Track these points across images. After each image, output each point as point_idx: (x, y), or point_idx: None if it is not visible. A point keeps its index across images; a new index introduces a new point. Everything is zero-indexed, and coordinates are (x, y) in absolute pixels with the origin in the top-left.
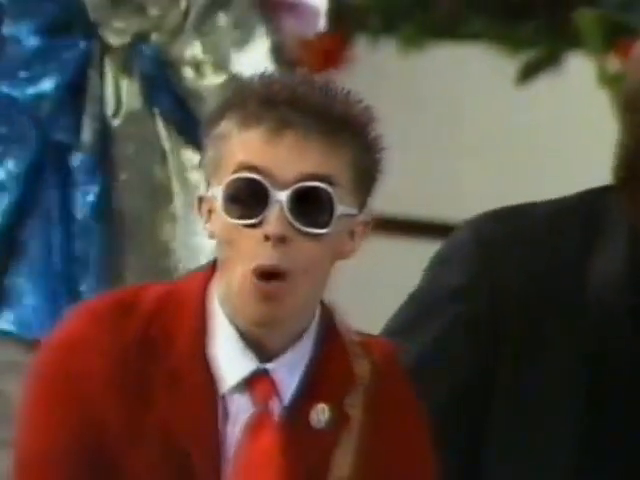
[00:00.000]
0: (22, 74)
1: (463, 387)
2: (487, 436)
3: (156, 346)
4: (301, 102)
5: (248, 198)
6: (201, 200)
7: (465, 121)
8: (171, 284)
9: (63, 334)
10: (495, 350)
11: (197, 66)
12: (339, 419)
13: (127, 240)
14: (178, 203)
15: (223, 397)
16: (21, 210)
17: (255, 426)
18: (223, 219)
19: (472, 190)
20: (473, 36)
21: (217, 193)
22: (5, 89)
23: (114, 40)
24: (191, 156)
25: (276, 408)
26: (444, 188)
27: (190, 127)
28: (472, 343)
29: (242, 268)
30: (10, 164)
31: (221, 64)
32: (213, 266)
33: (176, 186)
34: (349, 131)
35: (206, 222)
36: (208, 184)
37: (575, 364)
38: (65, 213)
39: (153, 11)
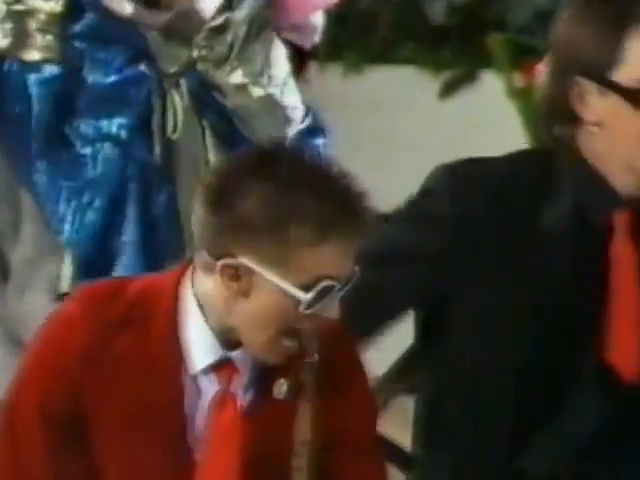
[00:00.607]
0: (104, 109)
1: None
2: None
3: (134, 329)
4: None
5: (323, 295)
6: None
7: (399, 131)
8: (154, 276)
9: (61, 309)
10: (460, 263)
11: (239, 88)
12: (296, 390)
13: (187, 235)
14: None
15: (195, 377)
16: (113, 211)
17: (219, 403)
18: (284, 303)
19: (405, 185)
20: (404, 60)
21: (285, 285)
22: (93, 122)
23: (169, 68)
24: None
25: (238, 387)
26: (380, 185)
27: (233, 140)
28: (441, 245)
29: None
30: (103, 169)
31: (258, 84)
32: (187, 263)
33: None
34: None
35: (230, 280)
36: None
37: (527, 279)
38: (145, 212)
39: (202, 43)
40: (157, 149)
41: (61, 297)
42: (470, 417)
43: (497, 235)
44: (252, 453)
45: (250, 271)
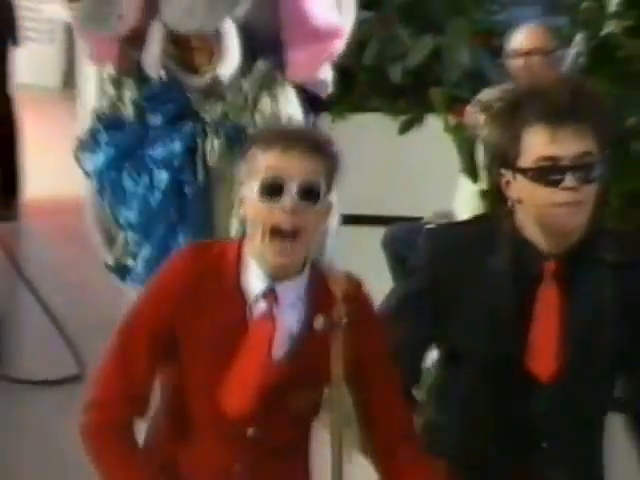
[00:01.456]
0: (158, 143)
1: (423, 298)
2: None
3: (213, 276)
4: (298, 134)
5: (273, 189)
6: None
7: (371, 157)
8: (225, 243)
9: (169, 260)
10: (439, 292)
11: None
12: (330, 324)
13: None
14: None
15: (250, 306)
16: (163, 216)
17: (260, 319)
18: (255, 203)
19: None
20: (374, 109)
21: (253, 187)
22: (150, 152)
23: (208, 118)
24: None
25: (283, 317)
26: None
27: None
28: (427, 289)
29: (264, 232)
30: (157, 191)
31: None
32: (243, 236)
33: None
34: (325, 152)
35: (239, 208)
36: (242, 184)
37: (481, 305)
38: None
39: (229, 98)
40: (200, 175)
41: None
42: (467, 381)
43: (460, 279)
44: (293, 373)
45: (242, 199)
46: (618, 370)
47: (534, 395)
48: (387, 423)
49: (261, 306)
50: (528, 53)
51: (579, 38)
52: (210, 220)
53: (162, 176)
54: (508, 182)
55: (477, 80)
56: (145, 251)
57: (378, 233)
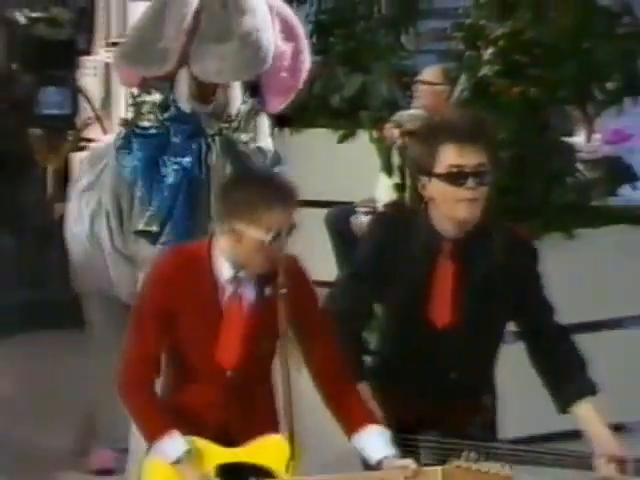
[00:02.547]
0: (179, 153)
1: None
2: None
3: (190, 267)
4: (283, 193)
5: (274, 238)
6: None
7: (320, 158)
8: (198, 241)
9: (160, 257)
10: (380, 272)
11: (245, 142)
12: (275, 292)
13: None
14: None
15: (223, 287)
16: (178, 198)
17: (231, 298)
18: (261, 246)
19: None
20: (321, 125)
21: (261, 234)
22: (171, 158)
23: (210, 132)
24: None
25: (244, 291)
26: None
27: (243, 170)
28: (370, 265)
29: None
30: (174, 177)
31: (253, 140)
32: (211, 235)
33: None
34: (295, 199)
35: (232, 241)
36: (227, 222)
37: (402, 273)
38: (191, 201)
39: (226, 120)
40: (203, 171)
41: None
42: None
43: (391, 255)
44: (254, 330)
45: (240, 231)
46: (510, 316)
47: (435, 338)
48: (324, 364)
49: (229, 287)
50: (430, 85)
51: (463, 78)
52: (208, 199)
53: (177, 173)
54: (424, 185)
55: (392, 106)
56: (169, 222)
57: (323, 212)
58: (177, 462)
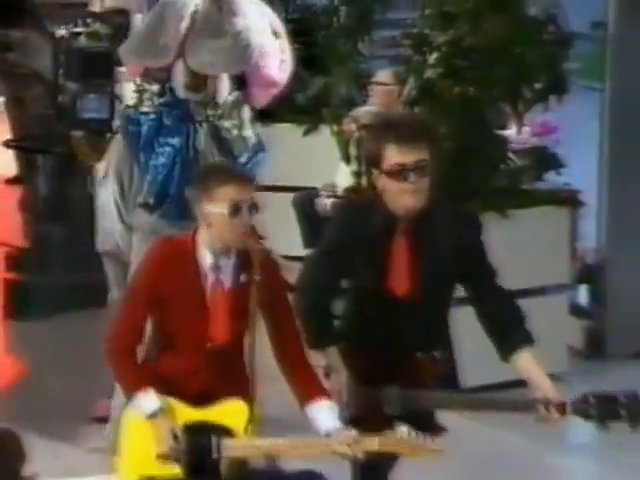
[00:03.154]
0: (170, 134)
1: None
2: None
3: (177, 256)
4: (244, 177)
5: (236, 210)
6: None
7: (285, 152)
8: (185, 233)
9: (153, 245)
10: (346, 250)
11: (228, 129)
12: (250, 278)
13: None
14: None
15: (206, 274)
16: (170, 174)
17: (215, 285)
18: (224, 219)
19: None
20: (290, 120)
21: (222, 208)
22: (164, 139)
23: (198, 118)
24: None
25: (223, 278)
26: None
27: (226, 152)
28: (336, 245)
29: (229, 237)
30: (167, 156)
31: (236, 128)
32: (195, 229)
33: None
34: (253, 182)
35: (205, 226)
36: (202, 203)
37: (364, 252)
38: (184, 178)
39: (212, 108)
40: (192, 152)
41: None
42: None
43: (355, 237)
44: (232, 311)
45: (206, 212)
46: (458, 281)
47: (395, 305)
48: (285, 343)
49: (211, 274)
50: (383, 85)
51: (411, 79)
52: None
53: (169, 153)
54: (375, 177)
55: (350, 104)
56: (164, 196)
57: (290, 196)
58: (151, 417)
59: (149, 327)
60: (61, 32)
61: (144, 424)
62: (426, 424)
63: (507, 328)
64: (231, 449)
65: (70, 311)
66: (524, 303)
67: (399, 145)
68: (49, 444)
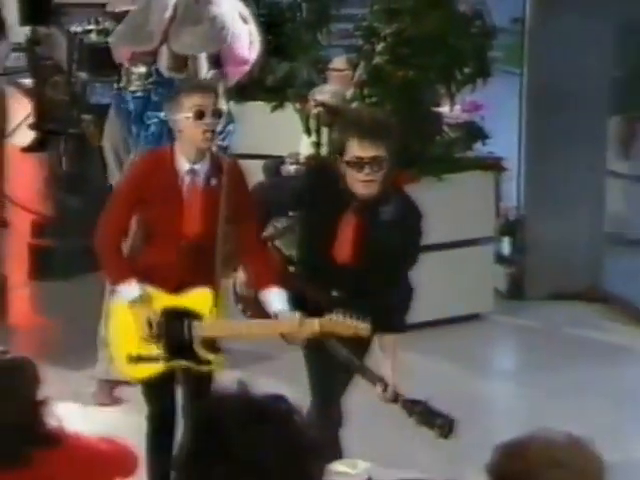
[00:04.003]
0: (157, 110)
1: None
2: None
3: (159, 164)
4: (209, 86)
5: (200, 115)
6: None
7: (256, 125)
8: (164, 147)
9: (134, 162)
10: (303, 205)
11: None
12: (220, 182)
13: None
14: None
15: (182, 177)
16: (157, 141)
17: (189, 185)
18: (190, 123)
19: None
20: (262, 99)
21: (186, 113)
22: (151, 112)
23: None
24: None
25: (198, 180)
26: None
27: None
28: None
29: (197, 139)
30: (155, 127)
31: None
32: (173, 141)
33: None
34: (214, 89)
35: (178, 133)
36: (173, 114)
37: (315, 219)
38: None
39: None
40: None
41: None
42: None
43: (315, 195)
44: (205, 211)
45: (177, 120)
46: (387, 259)
47: (339, 272)
48: (246, 237)
49: (187, 178)
50: (338, 71)
51: (361, 65)
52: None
53: (156, 125)
54: (339, 162)
55: (311, 85)
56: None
57: (261, 163)
58: (132, 303)
59: (133, 225)
60: (75, 29)
61: (127, 310)
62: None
63: (389, 312)
64: (199, 329)
65: (86, 273)
66: (457, 253)
67: (360, 141)
68: (60, 372)
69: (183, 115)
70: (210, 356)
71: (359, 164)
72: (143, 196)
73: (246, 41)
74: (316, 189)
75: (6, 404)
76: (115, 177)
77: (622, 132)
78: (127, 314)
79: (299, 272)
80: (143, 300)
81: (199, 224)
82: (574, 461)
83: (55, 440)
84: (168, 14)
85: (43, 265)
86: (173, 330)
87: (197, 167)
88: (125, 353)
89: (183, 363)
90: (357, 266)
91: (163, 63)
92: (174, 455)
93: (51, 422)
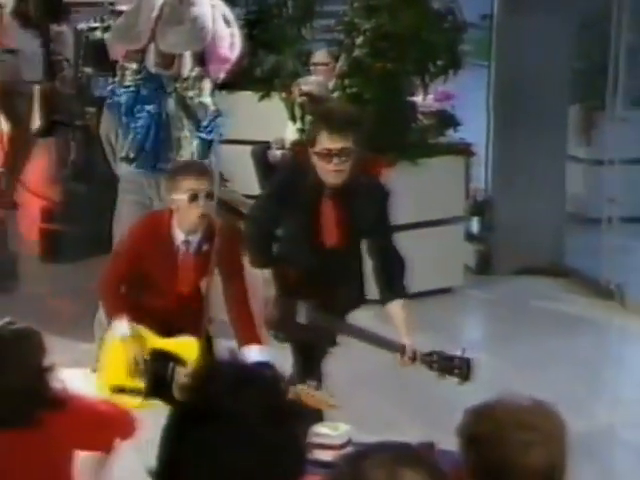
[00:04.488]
0: (147, 103)
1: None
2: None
3: (157, 231)
4: (200, 170)
5: (194, 198)
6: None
7: (244, 114)
8: (162, 212)
9: (134, 224)
10: (286, 192)
11: (192, 98)
12: (211, 247)
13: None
14: (186, 132)
15: (178, 246)
16: (147, 134)
17: (184, 254)
18: (184, 204)
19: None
20: (252, 89)
21: (182, 197)
22: (141, 106)
23: (169, 90)
24: (191, 127)
25: (191, 248)
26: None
27: (191, 116)
28: (275, 197)
29: (192, 218)
30: (144, 119)
31: (198, 96)
32: (171, 210)
33: (185, 125)
34: (209, 173)
35: (175, 211)
36: (169, 194)
37: (297, 207)
38: (160, 134)
39: (179, 81)
40: (164, 116)
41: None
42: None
43: (292, 192)
44: (196, 271)
45: (173, 200)
46: (363, 237)
47: (326, 253)
48: (233, 298)
49: (182, 247)
50: (321, 65)
51: (342, 57)
52: (169, 137)
53: (145, 117)
54: (310, 154)
55: (295, 76)
56: (142, 151)
57: (249, 148)
58: (122, 338)
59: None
60: (82, 27)
61: (119, 344)
62: (326, 334)
63: (388, 281)
64: (182, 375)
65: (93, 256)
66: (430, 231)
67: (330, 134)
68: (62, 341)
69: (178, 197)
70: None
71: (329, 155)
72: (142, 253)
73: (228, 42)
74: (291, 185)
75: (16, 370)
76: (112, 165)
77: (581, 120)
78: (117, 348)
79: (282, 256)
80: (133, 337)
81: (191, 284)
82: (538, 423)
83: (61, 403)
84: (155, 14)
85: (52, 248)
86: (157, 370)
87: (191, 238)
88: (110, 382)
89: (160, 403)
90: (346, 246)
91: (151, 60)
92: (168, 414)
93: (57, 386)
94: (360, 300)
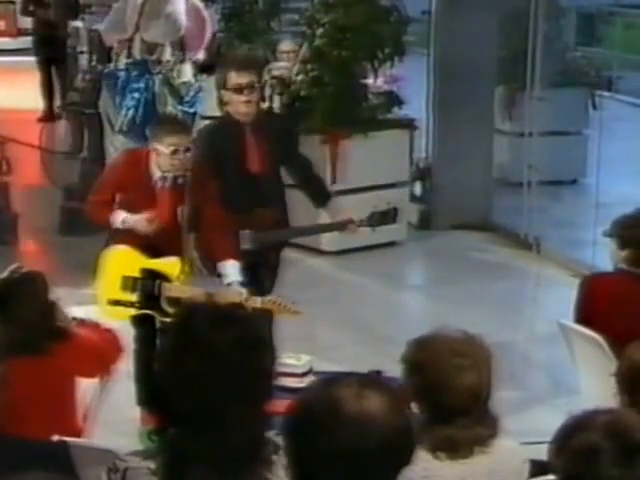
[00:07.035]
0: (136, 82)
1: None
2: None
3: (137, 165)
4: (180, 124)
5: (175, 151)
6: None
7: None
8: (144, 149)
9: (118, 156)
10: (221, 139)
11: (174, 78)
12: (186, 180)
13: None
14: (170, 107)
15: (155, 180)
16: (136, 111)
17: (161, 187)
18: (166, 156)
19: None
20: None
21: (164, 148)
22: (131, 86)
23: (154, 71)
24: (174, 102)
25: (167, 181)
26: None
27: (173, 93)
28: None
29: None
30: (135, 98)
31: (179, 77)
32: (149, 151)
33: (169, 101)
34: (189, 128)
35: (155, 155)
36: (154, 142)
37: (228, 151)
38: (148, 110)
39: (164, 64)
40: (151, 94)
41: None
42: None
43: (226, 133)
44: (173, 202)
45: (156, 148)
46: (283, 164)
47: (255, 180)
48: (207, 220)
49: (159, 182)
50: (287, 52)
51: (305, 46)
52: (155, 114)
53: (136, 96)
54: (223, 95)
55: (266, 63)
56: (133, 124)
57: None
58: (123, 221)
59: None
60: (93, 25)
61: (114, 261)
62: (272, 260)
63: (317, 188)
64: (166, 289)
65: (105, 230)
66: (380, 194)
67: (237, 71)
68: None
69: (161, 148)
70: (172, 310)
71: (239, 89)
72: (123, 186)
73: (200, 28)
74: (220, 138)
75: (29, 305)
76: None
77: (505, 99)
78: (113, 266)
79: (232, 193)
80: (126, 255)
81: (168, 213)
82: (469, 351)
83: (66, 335)
84: (137, 10)
85: (71, 224)
86: (146, 286)
87: (167, 174)
88: (107, 296)
89: (150, 313)
90: (268, 172)
91: (137, 48)
92: (156, 350)
93: (62, 321)
94: (284, 222)
